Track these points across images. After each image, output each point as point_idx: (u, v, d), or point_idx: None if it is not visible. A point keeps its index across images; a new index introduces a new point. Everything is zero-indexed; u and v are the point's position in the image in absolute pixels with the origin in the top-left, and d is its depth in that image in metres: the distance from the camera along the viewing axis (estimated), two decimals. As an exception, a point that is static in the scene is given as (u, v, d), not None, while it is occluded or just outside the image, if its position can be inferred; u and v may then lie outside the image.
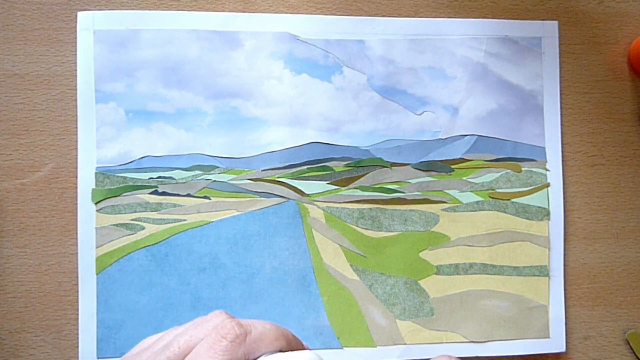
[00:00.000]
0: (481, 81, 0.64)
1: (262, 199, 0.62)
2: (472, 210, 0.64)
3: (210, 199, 0.61)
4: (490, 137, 0.64)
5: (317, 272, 0.62)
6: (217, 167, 0.62)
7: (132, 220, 0.61)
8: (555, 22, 0.66)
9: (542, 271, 0.64)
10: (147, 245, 0.61)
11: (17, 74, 0.61)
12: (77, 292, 0.60)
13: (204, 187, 0.61)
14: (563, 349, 0.64)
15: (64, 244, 0.60)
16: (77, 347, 0.60)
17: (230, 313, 0.60)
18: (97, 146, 0.61)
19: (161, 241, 0.61)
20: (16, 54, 0.61)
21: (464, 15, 0.65)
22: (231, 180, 0.62)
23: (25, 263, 0.60)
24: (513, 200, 0.64)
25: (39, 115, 0.61)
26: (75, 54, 0.61)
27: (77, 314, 0.60)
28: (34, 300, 0.60)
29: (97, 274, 0.60)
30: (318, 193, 0.62)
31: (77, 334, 0.60)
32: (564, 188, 0.65)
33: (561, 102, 0.65)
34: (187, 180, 0.61)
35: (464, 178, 0.64)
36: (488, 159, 0.64)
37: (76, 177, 0.61)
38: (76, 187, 0.60)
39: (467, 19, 0.65)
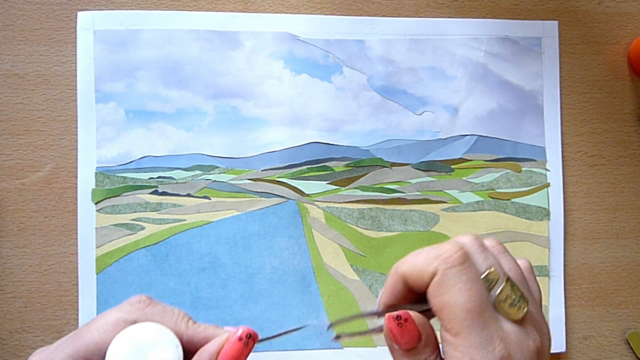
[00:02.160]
0: (481, 81, 0.64)
1: (262, 199, 0.62)
2: (472, 210, 0.64)
3: (210, 199, 0.61)
4: (490, 137, 0.64)
5: (317, 272, 0.62)
6: (217, 167, 0.62)
7: (132, 220, 0.61)
8: (555, 22, 0.66)
9: (542, 271, 0.64)
10: (147, 245, 0.61)
11: (17, 74, 0.61)
12: (77, 292, 0.60)
13: (204, 187, 0.61)
14: (563, 349, 0.64)
15: (64, 244, 0.60)
16: (77, 347, 0.60)
17: (230, 313, 0.61)
18: (97, 146, 0.61)
19: (161, 241, 0.61)
20: (16, 54, 0.61)
21: (464, 15, 0.65)
22: (231, 180, 0.62)
23: (25, 263, 0.60)
24: (513, 200, 0.64)
25: (39, 115, 0.61)
26: (75, 54, 0.61)
27: (77, 314, 0.60)
28: (34, 300, 0.60)
29: (97, 274, 0.60)
30: (318, 193, 0.62)
31: (77, 334, 0.60)
32: (564, 188, 0.65)
33: (561, 102, 0.65)
34: (187, 180, 0.61)
35: (464, 178, 0.64)
36: (488, 159, 0.64)
37: (76, 177, 0.60)
38: (76, 187, 0.60)
39: (467, 19, 0.65)
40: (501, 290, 0.39)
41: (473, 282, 0.38)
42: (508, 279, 0.40)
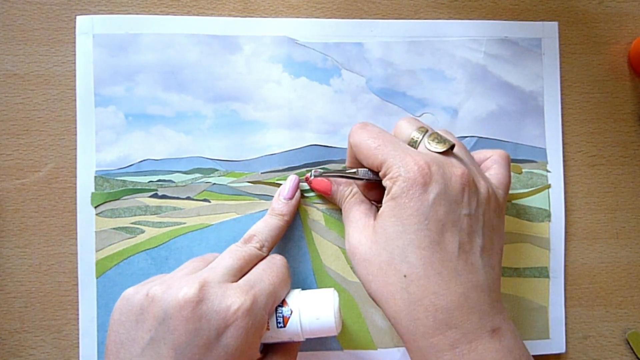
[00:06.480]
0: (481, 82, 0.64)
1: (262, 201, 0.62)
2: (472, 211, 0.64)
3: (210, 202, 0.61)
4: (490, 138, 0.64)
5: (318, 274, 0.62)
6: (217, 170, 0.61)
7: (132, 223, 0.61)
8: (555, 23, 0.65)
9: (543, 272, 0.64)
10: (147, 249, 0.61)
11: (17, 74, 0.61)
12: (77, 292, 0.60)
13: (203, 190, 0.61)
14: (563, 350, 0.64)
15: (64, 244, 0.61)
16: (77, 347, 0.60)
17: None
18: (96, 150, 0.61)
19: (161, 244, 0.61)
20: (16, 54, 0.61)
21: (463, 16, 0.65)
22: (231, 183, 0.61)
23: (25, 263, 0.60)
24: (514, 201, 0.64)
25: (39, 115, 0.61)
26: (76, 55, 0.61)
27: (77, 314, 0.60)
28: (34, 300, 0.60)
29: (97, 278, 0.60)
30: (317, 195, 0.62)
31: (77, 334, 0.60)
32: (564, 189, 0.65)
33: (562, 103, 0.65)
34: (187, 183, 0.61)
35: (464, 179, 0.64)
36: (488, 160, 0.64)
37: (76, 178, 0.61)
38: (76, 189, 0.60)
39: (467, 20, 0.64)
40: (430, 134, 0.50)
41: (379, 130, 0.51)
42: (436, 132, 0.50)
